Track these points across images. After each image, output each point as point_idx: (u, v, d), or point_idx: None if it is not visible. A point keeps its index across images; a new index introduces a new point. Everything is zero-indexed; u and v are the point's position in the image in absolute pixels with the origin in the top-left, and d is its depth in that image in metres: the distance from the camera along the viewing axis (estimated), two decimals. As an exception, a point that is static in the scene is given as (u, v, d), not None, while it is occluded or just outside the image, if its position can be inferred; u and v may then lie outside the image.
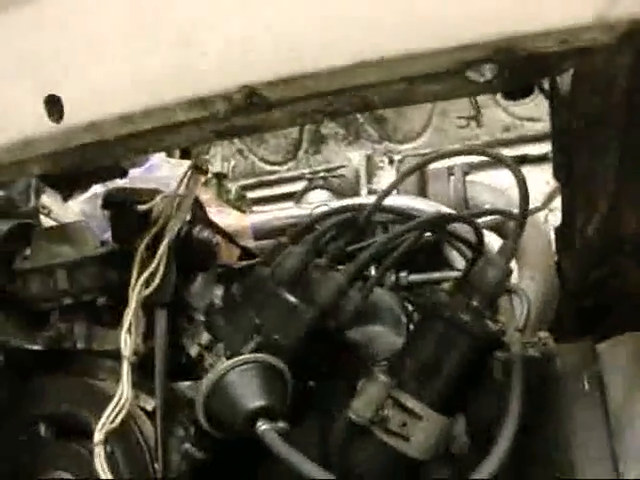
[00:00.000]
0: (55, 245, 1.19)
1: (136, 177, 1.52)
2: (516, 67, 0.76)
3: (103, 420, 1.04)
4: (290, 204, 2.12)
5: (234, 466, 1.13)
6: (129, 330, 1.10)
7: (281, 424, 0.95)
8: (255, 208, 2.40)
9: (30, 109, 0.90)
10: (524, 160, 2.35)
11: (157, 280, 1.13)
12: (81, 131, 0.90)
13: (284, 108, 0.85)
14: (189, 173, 1.18)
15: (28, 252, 1.24)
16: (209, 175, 1.97)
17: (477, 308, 0.99)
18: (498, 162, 1.16)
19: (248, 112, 0.84)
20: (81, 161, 1.00)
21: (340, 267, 1.13)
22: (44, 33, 0.90)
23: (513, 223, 1.13)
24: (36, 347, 1.19)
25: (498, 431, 0.92)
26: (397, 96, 0.84)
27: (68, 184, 1.32)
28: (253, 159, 2.60)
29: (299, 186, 2.36)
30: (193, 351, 1.09)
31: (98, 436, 1.01)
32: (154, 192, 1.24)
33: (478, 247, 1.16)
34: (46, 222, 1.51)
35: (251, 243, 1.58)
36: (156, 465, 1.09)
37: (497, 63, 0.74)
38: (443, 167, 1.93)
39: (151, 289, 1.13)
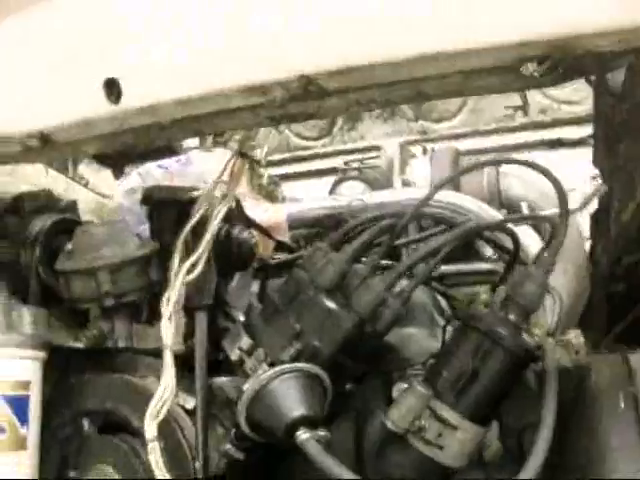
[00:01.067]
0: (97, 245, 1.21)
1: (173, 171, 1.54)
2: (570, 64, 0.76)
3: (150, 413, 1.06)
4: (324, 190, 2.13)
5: (272, 466, 1.16)
6: (170, 319, 1.11)
7: (321, 432, 0.98)
8: (288, 183, 2.43)
9: (89, 91, 0.92)
10: (560, 143, 2.34)
11: (199, 268, 1.13)
12: (138, 113, 0.92)
13: (340, 96, 0.87)
14: (234, 160, 1.18)
15: (69, 247, 1.26)
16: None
17: (514, 322, 1.00)
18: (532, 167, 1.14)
19: (304, 100, 0.86)
20: (135, 141, 1.03)
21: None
22: (104, 16, 0.91)
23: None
24: (79, 345, 1.22)
25: (533, 442, 0.93)
26: (451, 89, 0.86)
27: (119, 161, 1.35)
28: (288, 134, 2.61)
29: (332, 162, 2.38)
30: (234, 355, 1.11)
31: (150, 432, 1.03)
32: (191, 189, 1.26)
33: (515, 253, 1.17)
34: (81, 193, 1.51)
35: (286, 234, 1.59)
36: (197, 463, 1.12)
37: (551, 60, 0.75)
38: (477, 159, 1.93)
39: (193, 276, 1.14)
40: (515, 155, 2.12)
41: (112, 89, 0.90)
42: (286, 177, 2.42)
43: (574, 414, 0.99)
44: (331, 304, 1.06)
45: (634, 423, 0.92)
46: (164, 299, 1.10)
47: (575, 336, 1.33)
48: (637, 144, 1.36)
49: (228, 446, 1.11)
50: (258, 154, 2.06)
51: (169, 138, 1.07)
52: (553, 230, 1.10)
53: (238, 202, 1.30)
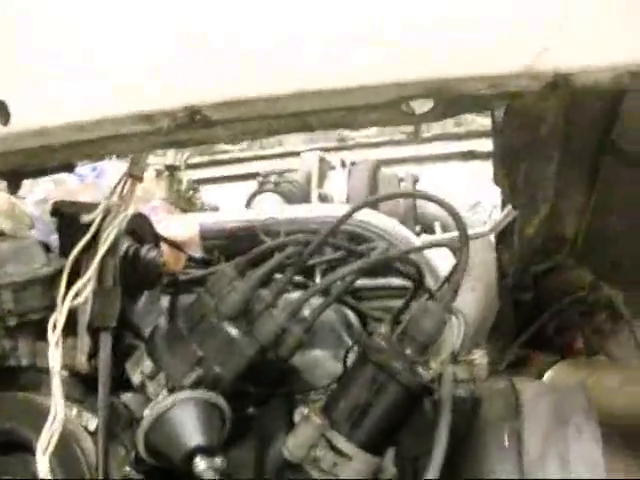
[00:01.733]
0: (1, 262, 1.19)
1: (88, 183, 1.53)
2: (449, 103, 0.81)
3: (44, 437, 1.04)
4: (242, 194, 2.13)
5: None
6: (57, 344, 1.09)
7: (218, 461, 0.99)
8: (207, 187, 2.43)
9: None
10: (473, 155, 2.41)
11: (87, 291, 1.12)
12: (28, 135, 0.91)
13: (225, 127, 0.89)
14: (124, 182, 1.17)
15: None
16: (161, 167, 1.96)
17: (410, 357, 1.03)
18: (437, 203, 1.18)
19: (191, 128, 0.87)
20: (26, 162, 1.02)
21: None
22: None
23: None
24: (-20, 364, 1.20)
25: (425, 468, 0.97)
26: (336, 121, 0.89)
27: (13, 177, 1.32)
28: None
29: (251, 167, 2.39)
30: (136, 378, 1.11)
31: (42, 468, 1.02)
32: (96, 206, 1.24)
33: (417, 285, 1.21)
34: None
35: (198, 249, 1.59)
36: (96, 485, 1.12)
37: (431, 99, 0.79)
38: (394, 174, 1.96)
39: (81, 299, 1.12)
40: (431, 166, 2.17)
41: (1, 111, 0.90)
42: (205, 181, 2.41)
43: (464, 446, 1.03)
44: (233, 331, 1.08)
45: (516, 462, 0.96)
46: (50, 324, 1.08)
47: (480, 356, 1.37)
48: (537, 165, 1.41)
49: (127, 469, 1.11)
50: (178, 159, 2.07)
51: (61, 160, 1.06)
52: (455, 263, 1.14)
53: (146, 219, 1.29)
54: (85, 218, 1.10)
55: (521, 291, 2.15)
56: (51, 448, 1.01)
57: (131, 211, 1.24)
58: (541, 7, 0.75)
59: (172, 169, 2.00)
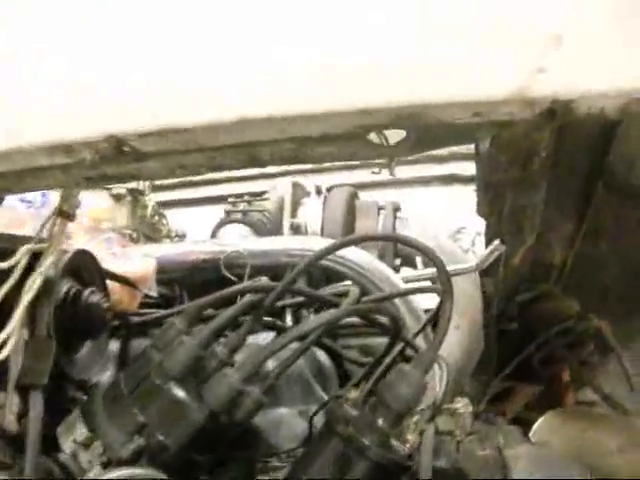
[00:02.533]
0: None
1: (29, 214, 1.38)
2: (425, 134, 0.67)
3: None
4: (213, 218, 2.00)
5: None
6: None
7: None
8: (173, 211, 2.29)
9: None
10: (454, 179, 2.30)
11: (10, 345, 0.97)
12: None
13: (160, 160, 0.76)
14: (53, 220, 1.02)
15: None
16: (123, 191, 1.81)
17: (382, 429, 0.88)
18: (418, 249, 1.04)
19: (119, 162, 0.74)
20: None
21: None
22: None
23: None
24: None
25: None
26: (289, 155, 0.76)
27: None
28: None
29: (222, 190, 2.26)
30: (67, 447, 0.96)
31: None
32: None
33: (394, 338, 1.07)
34: None
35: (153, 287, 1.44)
36: None
37: (403, 128, 0.66)
38: (373, 201, 1.83)
39: (4, 354, 0.97)
40: (410, 190, 2.06)
41: None
42: (172, 204, 2.27)
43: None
44: (180, 394, 0.93)
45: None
46: None
47: (463, 405, 1.25)
48: (522, 195, 1.31)
49: None
50: (140, 184, 1.92)
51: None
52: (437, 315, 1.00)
53: (91, 256, 1.15)
54: (4, 264, 0.94)
55: (506, 321, 2.08)
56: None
57: (72, 248, 1.10)
58: (536, 19, 0.62)
59: (136, 193, 1.85)
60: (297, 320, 1.41)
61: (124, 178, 0.84)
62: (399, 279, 1.41)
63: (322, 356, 1.43)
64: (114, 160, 0.75)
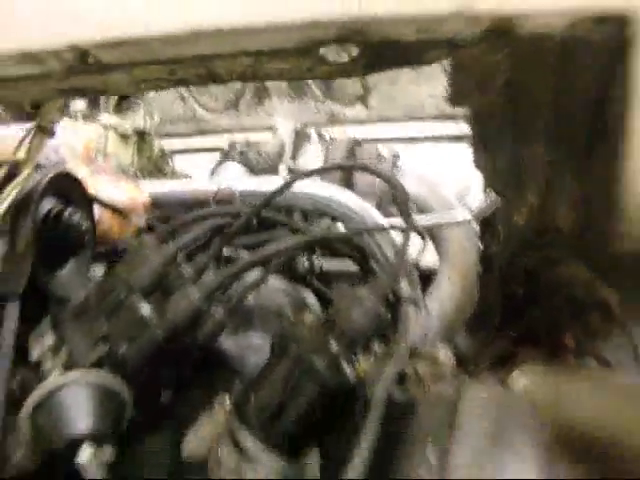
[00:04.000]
0: None
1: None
2: (374, 52, 0.68)
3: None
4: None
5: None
6: None
7: (107, 454, 0.88)
8: (191, 156, 2.32)
9: None
10: (464, 138, 2.29)
11: None
12: None
13: (123, 72, 0.78)
14: (32, 135, 1.05)
15: None
16: (129, 131, 1.84)
17: (334, 352, 0.90)
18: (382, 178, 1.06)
19: (85, 73, 0.77)
20: None
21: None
22: None
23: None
24: None
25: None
26: (244, 70, 0.77)
27: None
28: (193, 105, 2.50)
29: (234, 138, 2.28)
30: (35, 353, 0.99)
31: None
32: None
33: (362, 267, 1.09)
34: None
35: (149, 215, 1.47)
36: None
37: (355, 45, 0.68)
38: (373, 151, 1.83)
39: None
40: (419, 147, 2.06)
41: None
42: (180, 151, 2.30)
43: (391, 455, 0.90)
44: (144, 309, 0.95)
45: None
46: None
47: (443, 354, 1.26)
48: (521, 148, 1.29)
49: (18, 456, 0.99)
50: (147, 124, 1.94)
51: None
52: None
53: (74, 179, 1.17)
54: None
55: (511, 284, 2.05)
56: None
57: (56, 169, 1.13)
58: None
59: (141, 134, 1.88)
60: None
61: (93, 91, 0.86)
62: (382, 220, 1.42)
63: (309, 297, 1.45)
64: (80, 71, 0.77)
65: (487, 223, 1.84)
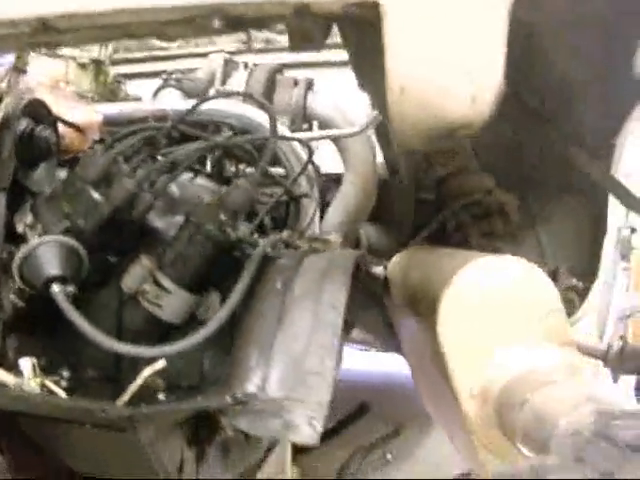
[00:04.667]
0: None
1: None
2: (233, 22, 1.11)
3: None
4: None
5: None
6: None
7: (70, 288, 1.32)
8: (144, 81, 2.70)
9: None
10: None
11: None
12: None
13: (73, 33, 1.20)
14: (9, 74, 1.47)
15: None
16: (87, 61, 2.24)
17: (222, 220, 1.35)
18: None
19: (46, 34, 1.18)
20: None
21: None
22: None
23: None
24: None
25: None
26: (151, 32, 1.24)
27: None
28: (148, 36, 2.86)
29: (183, 64, 2.66)
30: (19, 228, 1.43)
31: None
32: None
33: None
34: None
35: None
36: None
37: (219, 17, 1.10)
38: (290, 77, 2.24)
39: None
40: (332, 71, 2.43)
41: None
42: (132, 76, 2.68)
43: (256, 287, 1.35)
44: (94, 194, 1.39)
45: (282, 299, 1.29)
46: None
47: (334, 237, 1.70)
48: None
49: (12, 297, 1.44)
50: (102, 54, 2.34)
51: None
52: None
53: (43, 104, 1.59)
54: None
55: (423, 191, 2.40)
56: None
57: (29, 96, 1.54)
58: None
59: (98, 63, 2.27)
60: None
61: (53, 45, 1.27)
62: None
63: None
64: (43, 33, 1.18)
65: (381, 136, 2.23)
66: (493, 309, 1.25)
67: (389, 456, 3.18)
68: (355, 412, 3.25)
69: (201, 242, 1.36)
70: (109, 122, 1.91)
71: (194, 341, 1.23)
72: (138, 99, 2.40)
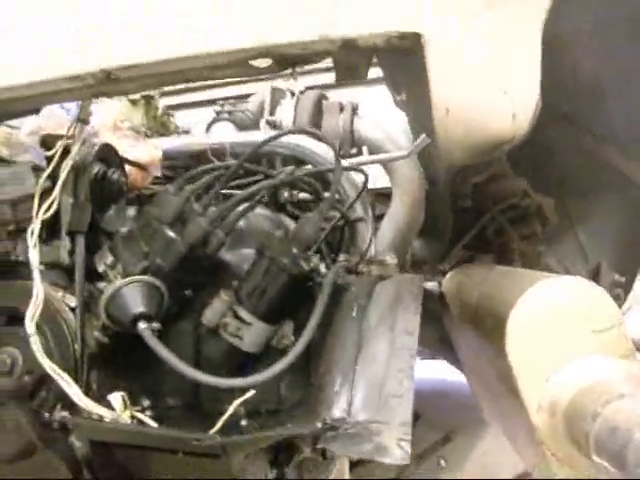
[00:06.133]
0: (2, 184, 1.59)
1: (67, 119, 1.90)
2: (281, 60, 1.19)
3: (28, 315, 1.45)
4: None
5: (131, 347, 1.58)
6: (35, 247, 1.50)
7: (155, 325, 1.40)
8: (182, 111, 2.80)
9: None
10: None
11: (55, 204, 1.52)
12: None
13: (136, 82, 1.29)
14: (74, 124, 1.55)
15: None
16: (138, 97, 2.33)
17: (294, 253, 1.42)
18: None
19: (110, 84, 1.27)
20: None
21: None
22: None
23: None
24: (-13, 260, 1.61)
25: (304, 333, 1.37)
26: (203, 75, 1.31)
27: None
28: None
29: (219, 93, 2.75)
30: (100, 268, 1.51)
31: (30, 328, 1.43)
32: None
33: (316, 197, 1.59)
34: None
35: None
36: (76, 346, 1.54)
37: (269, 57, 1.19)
38: (336, 102, 2.31)
39: (50, 213, 1.51)
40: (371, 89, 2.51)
41: None
42: (177, 107, 2.77)
43: (331, 316, 1.43)
44: (170, 233, 1.46)
45: (358, 327, 1.36)
46: (29, 232, 1.48)
47: (390, 258, 1.76)
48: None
49: (97, 333, 1.52)
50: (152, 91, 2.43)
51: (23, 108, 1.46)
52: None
53: (112, 148, 1.67)
54: (47, 153, 1.49)
55: (461, 199, 2.44)
56: (36, 317, 1.42)
57: (99, 142, 1.63)
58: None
59: (147, 97, 2.36)
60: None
61: (111, 94, 1.35)
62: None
63: (287, 221, 1.96)
64: (107, 83, 1.27)
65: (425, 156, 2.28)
66: (558, 326, 1.32)
67: (442, 462, 3.22)
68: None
69: (276, 275, 1.43)
70: (167, 157, 2.00)
71: (278, 369, 1.30)
72: (187, 132, 2.49)
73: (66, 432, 1.49)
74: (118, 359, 1.60)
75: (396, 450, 1.11)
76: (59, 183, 1.49)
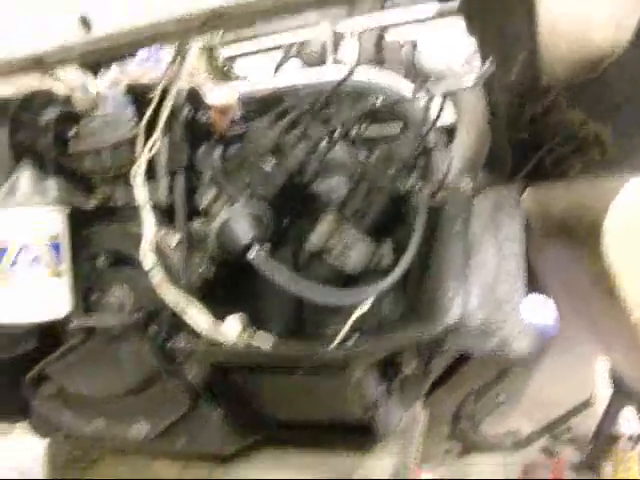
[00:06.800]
0: (99, 131, 1.65)
1: (147, 68, 1.96)
2: None
3: (144, 248, 1.54)
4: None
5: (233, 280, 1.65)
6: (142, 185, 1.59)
7: (265, 247, 1.46)
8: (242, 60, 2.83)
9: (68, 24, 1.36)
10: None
11: (158, 144, 1.58)
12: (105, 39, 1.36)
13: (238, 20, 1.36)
14: (175, 62, 1.61)
15: (74, 132, 1.70)
16: (200, 47, 2.37)
17: (392, 175, 1.47)
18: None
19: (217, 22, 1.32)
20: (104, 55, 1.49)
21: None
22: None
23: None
24: (90, 205, 1.69)
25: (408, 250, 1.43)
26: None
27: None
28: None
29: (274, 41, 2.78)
30: (203, 203, 1.57)
31: (147, 262, 1.50)
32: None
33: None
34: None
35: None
36: (182, 280, 1.61)
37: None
38: (395, 41, 2.34)
39: (154, 151, 1.58)
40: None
41: (85, 23, 1.34)
42: (236, 56, 2.80)
43: (434, 232, 1.48)
44: (269, 164, 1.52)
45: (464, 239, 1.41)
46: (132, 171, 1.55)
47: (465, 183, 1.79)
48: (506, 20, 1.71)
49: (201, 268, 1.59)
50: (213, 40, 2.47)
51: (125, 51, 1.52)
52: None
53: (197, 92, 1.73)
54: (151, 95, 1.54)
55: (518, 130, 2.46)
56: (152, 252, 1.49)
57: (187, 86, 1.68)
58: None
59: (209, 49, 2.40)
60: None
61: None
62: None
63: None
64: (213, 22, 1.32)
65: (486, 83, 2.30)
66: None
67: (501, 398, 3.27)
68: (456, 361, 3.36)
69: (376, 196, 1.48)
70: (242, 101, 2.04)
71: (387, 283, 1.36)
72: (244, 79, 2.53)
73: (185, 360, 1.57)
74: (218, 292, 1.66)
75: (521, 342, 1.16)
76: (160, 123, 1.55)
